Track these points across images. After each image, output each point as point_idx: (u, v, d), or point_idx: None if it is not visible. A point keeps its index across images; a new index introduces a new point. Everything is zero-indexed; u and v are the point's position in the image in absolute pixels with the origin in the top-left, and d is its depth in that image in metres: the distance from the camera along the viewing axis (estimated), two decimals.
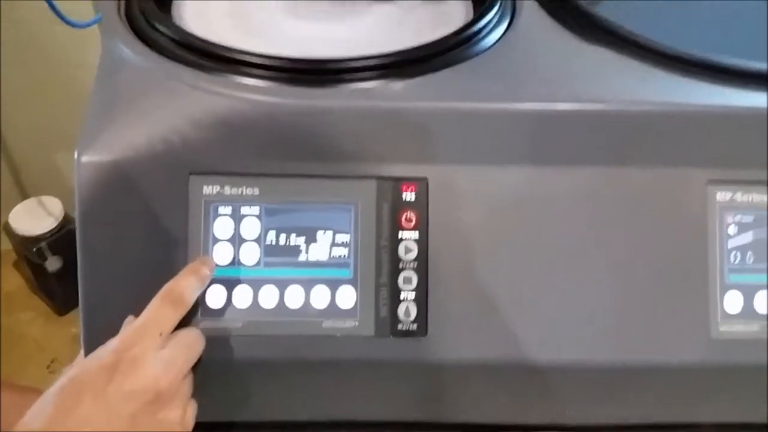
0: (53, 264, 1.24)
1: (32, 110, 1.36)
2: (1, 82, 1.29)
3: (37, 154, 1.40)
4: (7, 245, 1.32)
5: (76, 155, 0.42)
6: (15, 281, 1.34)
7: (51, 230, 1.22)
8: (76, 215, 0.42)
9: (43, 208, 1.24)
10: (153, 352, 0.35)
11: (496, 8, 0.50)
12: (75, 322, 1.26)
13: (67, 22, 0.98)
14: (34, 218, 1.22)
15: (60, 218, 1.23)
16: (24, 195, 1.43)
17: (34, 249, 1.21)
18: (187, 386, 0.37)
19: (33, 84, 1.32)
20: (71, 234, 1.26)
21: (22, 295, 1.32)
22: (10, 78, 1.29)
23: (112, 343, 0.36)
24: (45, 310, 1.29)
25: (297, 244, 0.42)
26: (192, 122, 0.42)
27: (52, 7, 0.87)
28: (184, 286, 0.38)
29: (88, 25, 1.12)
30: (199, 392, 0.39)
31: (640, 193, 0.44)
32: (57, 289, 1.26)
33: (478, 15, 0.49)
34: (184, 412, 0.36)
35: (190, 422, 0.37)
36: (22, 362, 1.18)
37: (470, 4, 0.56)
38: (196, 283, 0.39)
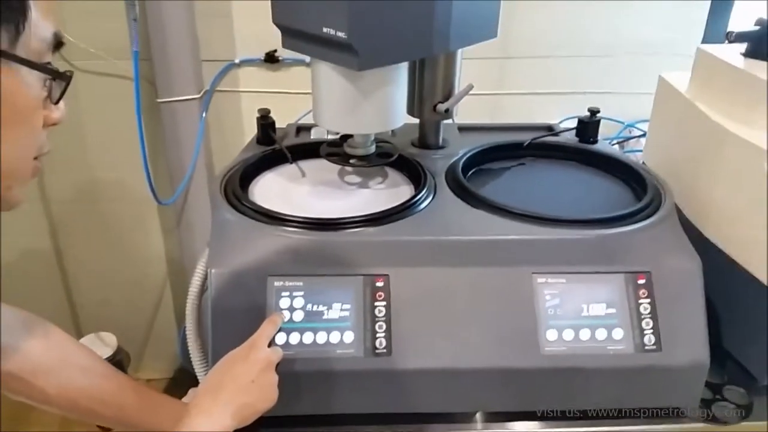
0: None
1: (94, 264, 1.75)
2: (70, 246, 1.70)
3: (96, 296, 1.77)
4: None
5: (209, 270, 0.81)
6: None
7: (106, 358, 1.55)
8: (209, 299, 0.80)
9: (101, 340, 1.59)
10: (266, 347, 0.73)
11: (425, 190, 0.94)
12: None
13: (159, 201, 1.46)
14: (94, 348, 1.56)
15: (114, 349, 1.57)
16: (79, 331, 1.78)
17: None
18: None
19: (96, 250, 1.73)
20: (120, 363, 1.61)
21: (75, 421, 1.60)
22: (78, 243, 1.70)
23: (246, 343, 0.73)
24: None
25: (322, 310, 0.81)
26: (266, 251, 0.83)
27: (152, 190, 1.36)
28: (276, 318, 0.77)
29: (169, 203, 1.60)
30: None
31: (499, 280, 0.84)
32: None
33: (415, 194, 0.93)
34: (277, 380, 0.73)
35: None
36: None
37: (412, 188, 1.01)
38: (280, 320, 0.78)
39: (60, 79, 0.53)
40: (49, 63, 0.52)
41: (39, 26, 0.49)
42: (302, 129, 1.20)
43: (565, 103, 1.57)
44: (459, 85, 1.05)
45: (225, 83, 1.56)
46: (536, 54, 1.54)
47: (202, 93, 1.51)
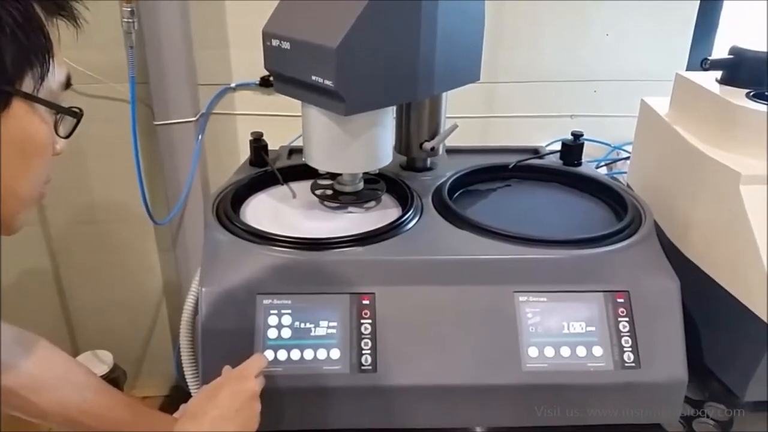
0: None
1: (91, 284, 1.77)
2: (69, 266, 1.72)
3: (93, 315, 1.79)
4: None
5: (201, 288, 0.84)
6: None
7: (102, 375, 1.57)
8: (200, 316, 0.83)
9: (98, 358, 1.61)
10: (254, 378, 0.74)
11: (412, 211, 0.97)
12: None
13: (155, 222, 1.48)
14: (90, 365, 1.58)
15: (110, 366, 1.59)
16: (76, 349, 1.80)
17: None
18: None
19: (94, 270, 1.75)
20: (116, 381, 1.63)
21: None
22: (75, 263, 1.73)
23: (236, 370, 0.75)
24: None
25: (310, 327, 0.84)
26: (255, 270, 0.86)
27: (148, 211, 1.39)
28: (263, 358, 0.78)
29: (165, 223, 1.63)
30: None
31: (482, 298, 0.86)
32: None
33: (402, 215, 0.96)
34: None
35: None
36: None
37: (400, 209, 1.03)
38: (265, 360, 0.78)
39: (71, 116, 0.59)
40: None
41: (55, 72, 0.56)
42: (294, 151, 1.23)
43: (553, 125, 1.61)
44: (444, 122, 1.08)
45: (221, 106, 1.60)
46: (524, 78, 1.58)
47: (198, 116, 1.55)
